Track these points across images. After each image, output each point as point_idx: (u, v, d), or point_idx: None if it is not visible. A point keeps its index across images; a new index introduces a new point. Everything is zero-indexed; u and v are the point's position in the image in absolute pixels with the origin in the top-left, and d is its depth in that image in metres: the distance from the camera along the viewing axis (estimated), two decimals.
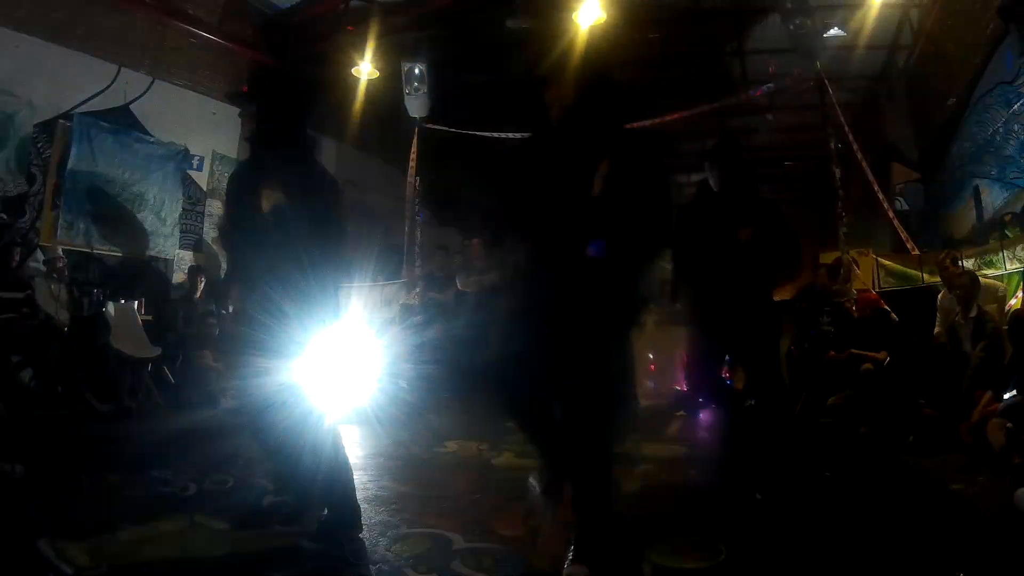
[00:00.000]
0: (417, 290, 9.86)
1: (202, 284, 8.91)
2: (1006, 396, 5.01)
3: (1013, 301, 6.88)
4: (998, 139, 8.71)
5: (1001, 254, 7.56)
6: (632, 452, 5.48)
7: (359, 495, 3.65)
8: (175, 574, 2.89)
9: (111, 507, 3.64)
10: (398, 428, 6.16)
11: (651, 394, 8.05)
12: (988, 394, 5.23)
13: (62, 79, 8.64)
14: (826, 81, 9.45)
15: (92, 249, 8.95)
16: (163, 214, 9.75)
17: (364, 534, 3.32)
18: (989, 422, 4.82)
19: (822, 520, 3.63)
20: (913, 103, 12.04)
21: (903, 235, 9.10)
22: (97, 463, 4.70)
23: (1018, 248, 7.29)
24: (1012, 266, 7.28)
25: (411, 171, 11.41)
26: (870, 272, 9.16)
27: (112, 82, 9.22)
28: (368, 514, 3.66)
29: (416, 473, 4.76)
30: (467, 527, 3.44)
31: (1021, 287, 6.97)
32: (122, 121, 9.39)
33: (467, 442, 5.59)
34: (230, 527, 3.38)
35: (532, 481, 3.22)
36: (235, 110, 9.56)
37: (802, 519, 3.66)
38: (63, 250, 8.35)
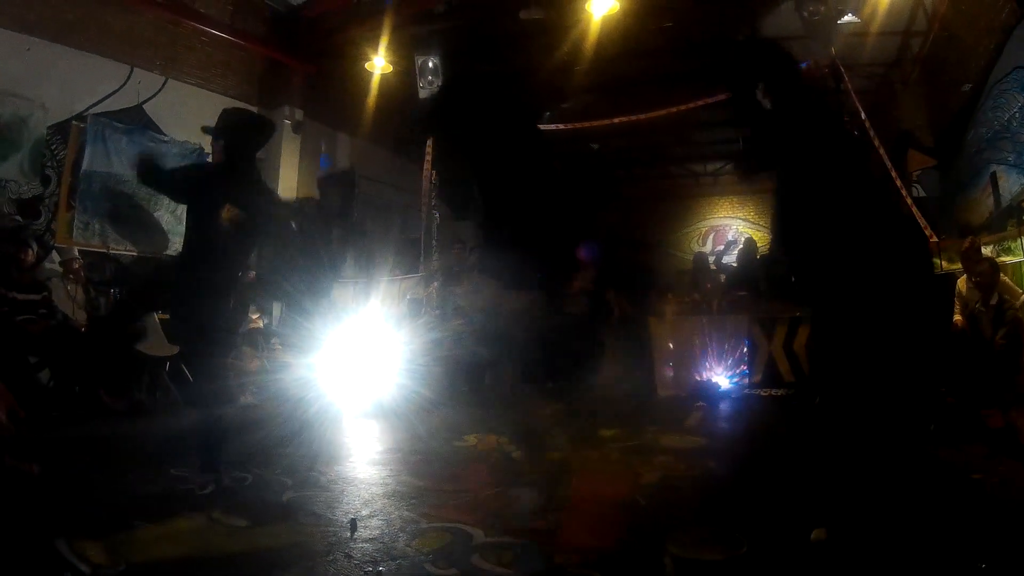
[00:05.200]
0: (434, 284, 9.85)
1: None
2: None
3: None
4: (1015, 124, 8.61)
5: (1019, 241, 7.49)
6: (651, 443, 5.47)
7: (378, 490, 3.77)
8: (193, 572, 2.90)
9: (129, 505, 3.65)
10: (416, 422, 6.14)
11: (670, 384, 8.00)
12: None
13: (75, 81, 8.66)
14: (841, 68, 9.39)
15: (108, 249, 8.97)
16: (179, 212, 9.72)
17: (384, 529, 3.32)
18: None
19: (842, 510, 3.60)
20: (928, 89, 11.91)
21: (921, 222, 9.02)
22: (115, 461, 4.71)
23: None
24: None
25: (426, 165, 11.40)
26: None
27: (125, 82, 9.25)
28: (387, 509, 3.68)
29: (435, 467, 4.72)
30: (487, 521, 3.42)
31: None
32: (136, 121, 9.42)
33: (486, 436, 5.56)
34: (248, 524, 3.39)
35: None
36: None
37: (822, 510, 3.63)
38: (79, 251, 8.34)
